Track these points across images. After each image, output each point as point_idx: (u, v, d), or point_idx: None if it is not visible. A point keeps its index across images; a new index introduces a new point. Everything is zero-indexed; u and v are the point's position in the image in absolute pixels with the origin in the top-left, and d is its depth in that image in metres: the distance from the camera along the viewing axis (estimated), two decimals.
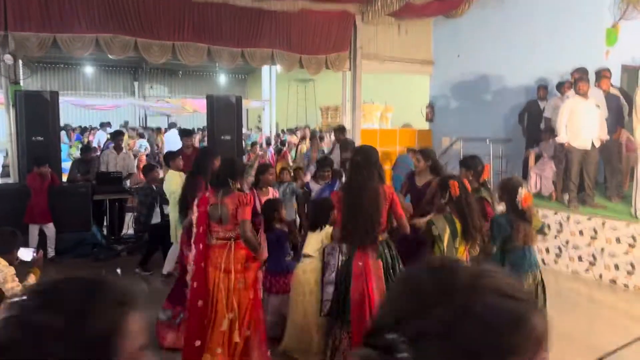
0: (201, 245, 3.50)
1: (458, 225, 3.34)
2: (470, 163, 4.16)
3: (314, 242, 3.97)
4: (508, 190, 3.67)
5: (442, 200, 3.45)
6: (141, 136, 15.35)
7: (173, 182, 5.37)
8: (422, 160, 4.53)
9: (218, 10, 8.43)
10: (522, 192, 3.60)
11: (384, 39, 10.34)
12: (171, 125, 17.27)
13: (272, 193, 4.97)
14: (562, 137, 6.45)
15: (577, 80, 6.55)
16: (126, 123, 19.89)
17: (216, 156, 4.72)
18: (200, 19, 8.33)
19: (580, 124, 6.36)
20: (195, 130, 16.55)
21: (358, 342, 3.41)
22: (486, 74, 10.13)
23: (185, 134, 7.20)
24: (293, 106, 20.59)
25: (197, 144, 11.48)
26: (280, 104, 19.28)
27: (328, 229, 3.94)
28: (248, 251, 3.50)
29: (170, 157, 6.05)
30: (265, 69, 17.26)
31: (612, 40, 8.06)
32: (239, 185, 3.58)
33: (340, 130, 9.20)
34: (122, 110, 19.87)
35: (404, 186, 4.76)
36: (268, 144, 14.13)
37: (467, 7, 9.18)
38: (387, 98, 13.51)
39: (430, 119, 11.61)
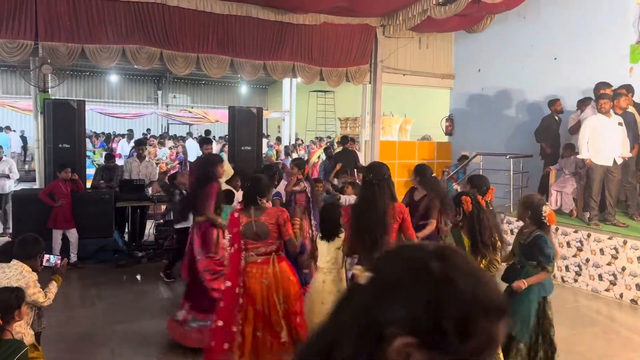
0: (236, 264, 3.55)
1: (466, 242, 3.32)
2: (477, 182, 4.14)
3: (325, 252, 3.97)
4: (533, 207, 3.62)
5: (457, 216, 3.44)
6: (162, 145, 15.59)
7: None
8: (419, 176, 4.72)
9: (241, 23, 8.58)
10: (547, 209, 3.58)
11: (404, 52, 10.39)
12: (188, 135, 17.56)
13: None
14: (584, 154, 6.40)
15: (599, 97, 6.49)
16: (148, 131, 20.24)
17: (220, 163, 4.77)
18: (223, 32, 8.49)
19: (603, 141, 6.30)
20: (216, 138, 16.77)
21: None
22: (506, 88, 10.10)
23: (204, 141, 7.31)
24: (312, 117, 20.71)
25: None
26: (299, 115, 19.42)
27: (338, 240, 3.95)
28: (288, 262, 3.64)
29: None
30: (286, 80, 17.42)
31: (636, 57, 7.98)
32: (266, 204, 3.64)
33: (343, 140, 9.26)
34: (145, 118, 20.21)
35: (404, 199, 4.85)
36: (287, 154, 14.22)
37: (489, 23, 9.18)
38: (406, 110, 13.53)
39: (449, 132, 11.59)
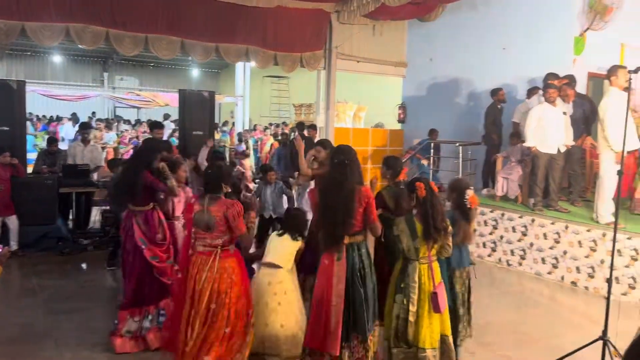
0: (186, 253, 3.43)
1: (419, 227, 3.38)
2: (392, 163, 4.33)
3: (286, 251, 3.88)
4: (457, 190, 3.85)
5: (410, 202, 3.49)
6: (109, 128, 15.05)
7: None
8: (323, 150, 4.56)
9: (193, 4, 8.33)
10: (470, 193, 3.79)
11: (359, 39, 10.40)
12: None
13: (184, 193, 4.68)
14: (530, 142, 6.62)
15: (547, 87, 6.72)
16: (94, 115, 19.48)
17: (161, 151, 4.41)
18: (174, 12, 8.21)
19: (548, 129, 6.53)
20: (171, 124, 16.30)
21: (312, 342, 3.42)
22: (457, 77, 10.31)
23: (155, 125, 7.03)
24: (267, 102, 20.51)
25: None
26: (254, 100, 19.18)
27: (299, 241, 3.91)
28: (235, 260, 3.42)
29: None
30: (239, 64, 17.13)
31: (580, 49, 8.32)
32: (228, 189, 3.52)
33: (299, 126, 9.28)
34: (90, 101, 19.39)
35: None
36: (241, 140, 14.04)
37: (441, 12, 9.31)
38: (360, 98, 13.61)
39: (402, 120, 11.74)
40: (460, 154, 8.27)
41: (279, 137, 11.60)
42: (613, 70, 5.86)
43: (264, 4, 8.81)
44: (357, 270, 3.39)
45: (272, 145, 13.67)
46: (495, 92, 8.68)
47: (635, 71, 3.90)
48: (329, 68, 10.24)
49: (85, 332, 4.31)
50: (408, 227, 3.41)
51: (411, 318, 3.36)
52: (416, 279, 3.38)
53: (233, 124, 18.28)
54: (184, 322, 3.32)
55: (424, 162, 9.50)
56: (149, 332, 4.09)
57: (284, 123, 18.00)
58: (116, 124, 17.62)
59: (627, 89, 4.16)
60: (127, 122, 19.46)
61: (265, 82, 20.07)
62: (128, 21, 7.86)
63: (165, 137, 9.35)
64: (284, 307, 3.81)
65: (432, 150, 9.44)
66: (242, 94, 18.02)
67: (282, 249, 3.94)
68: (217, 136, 13.14)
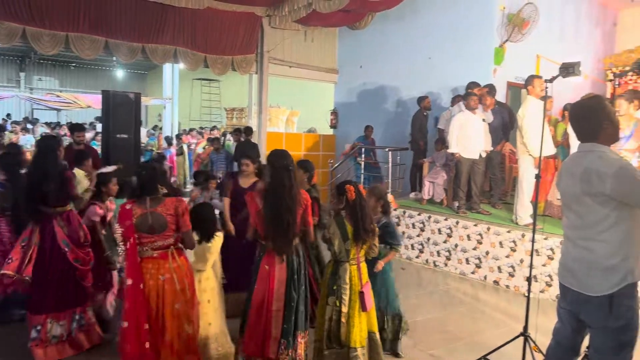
0: (134, 260, 3.24)
1: (349, 228, 3.48)
2: (307, 166, 4.55)
3: (202, 254, 3.76)
4: (383, 197, 4.13)
5: (339, 205, 3.56)
6: (26, 131, 14.10)
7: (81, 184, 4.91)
8: (251, 163, 4.77)
9: (118, 2, 7.99)
10: (390, 197, 4.03)
11: (291, 44, 10.42)
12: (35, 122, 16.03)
13: (110, 206, 4.51)
14: (454, 148, 6.89)
15: (467, 95, 7.02)
16: (9, 117, 18.19)
17: (59, 148, 4.22)
18: (98, 10, 7.84)
19: (470, 136, 6.83)
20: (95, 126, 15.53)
21: (249, 348, 3.37)
22: (386, 84, 10.59)
23: (75, 128, 6.64)
24: (197, 106, 20.06)
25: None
26: (183, 103, 18.68)
27: (217, 240, 3.82)
28: (185, 258, 3.41)
29: (81, 156, 5.48)
30: (167, 66, 16.65)
31: (500, 60, 8.78)
32: (165, 190, 3.41)
33: (247, 131, 9.17)
34: (5, 102, 18.10)
35: (226, 186, 4.90)
36: (169, 144, 13.61)
37: (370, 20, 9.52)
38: (293, 102, 13.63)
39: (334, 125, 11.88)
40: (390, 159, 8.48)
41: (213, 141, 11.37)
42: (530, 80, 6.22)
43: (194, 5, 8.61)
44: (295, 273, 3.41)
45: (205, 148, 13.35)
46: (421, 100, 8.99)
47: (551, 80, 4.14)
48: (261, 72, 10.18)
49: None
50: (339, 229, 3.49)
51: (343, 319, 3.45)
52: (347, 280, 3.47)
53: (160, 128, 17.72)
54: (146, 334, 3.17)
55: (360, 161, 9.60)
56: (79, 333, 3.97)
57: (214, 127, 17.68)
58: (32, 127, 16.53)
59: (543, 98, 4.45)
60: (46, 124, 18.31)
61: (195, 84, 19.63)
62: (47, 18, 7.43)
63: (88, 139, 8.90)
64: (213, 305, 3.78)
65: (370, 152, 9.57)
66: (171, 97, 17.49)
67: (199, 250, 3.80)
68: (144, 140, 12.69)
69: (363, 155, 9.38)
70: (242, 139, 9.04)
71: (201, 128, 17.96)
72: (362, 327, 3.51)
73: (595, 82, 10.23)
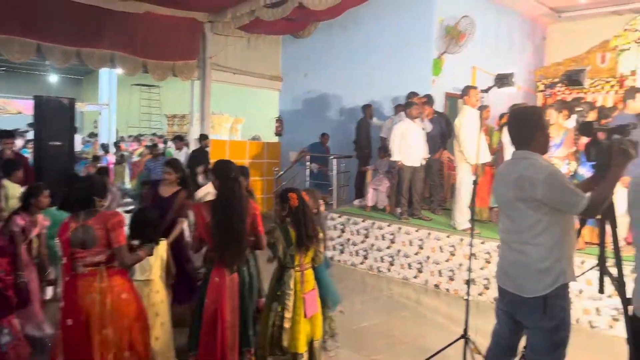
0: (68, 278, 3.05)
1: (293, 234, 3.52)
2: (245, 172, 4.67)
3: (147, 261, 3.62)
4: (315, 198, 4.20)
5: (282, 212, 3.61)
6: None
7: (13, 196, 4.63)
8: (173, 172, 4.59)
9: (51, 5, 7.64)
10: (322, 202, 4.20)
11: (234, 51, 10.33)
12: None
13: (42, 221, 4.30)
14: (396, 156, 7.04)
15: (408, 105, 7.20)
16: None
17: None
18: (29, 12, 7.46)
19: (410, 144, 7.00)
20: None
21: None
22: (330, 93, 10.70)
23: (3, 135, 6.26)
24: (135, 112, 19.47)
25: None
26: (121, 109, 18.07)
27: (161, 246, 3.70)
28: (121, 278, 3.13)
29: (10, 166, 5.14)
30: (104, 71, 16.06)
31: (438, 71, 9.09)
32: (104, 203, 3.23)
33: (178, 138, 9.02)
34: None
35: (147, 196, 4.79)
36: (106, 151, 13.11)
37: (314, 29, 9.60)
38: (237, 110, 13.52)
39: (279, 132, 11.85)
40: (335, 167, 8.55)
41: (151, 148, 11.05)
42: (466, 90, 6.47)
43: (132, 9, 8.37)
44: (246, 284, 3.38)
45: (142, 155, 12.96)
46: (365, 108, 9.15)
47: (486, 90, 4.34)
48: (203, 78, 10.03)
49: None
50: (283, 235, 3.53)
51: (286, 324, 3.47)
52: (292, 286, 3.50)
53: (96, 135, 17.06)
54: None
55: (314, 167, 9.59)
56: (10, 348, 3.71)
57: (154, 134, 17.22)
58: None
59: (480, 107, 4.67)
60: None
61: (134, 90, 19.06)
62: None
63: (18, 147, 8.43)
64: (161, 318, 3.65)
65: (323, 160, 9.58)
66: (107, 102, 16.87)
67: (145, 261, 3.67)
68: (79, 148, 12.16)
69: (310, 163, 9.41)
70: (188, 146, 8.87)
71: (140, 135, 17.45)
72: (306, 333, 3.54)
73: (527, 93, 10.77)
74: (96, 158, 11.09)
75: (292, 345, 3.48)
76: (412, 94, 7.85)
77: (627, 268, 2.56)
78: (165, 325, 3.69)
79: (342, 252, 7.58)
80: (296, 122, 11.45)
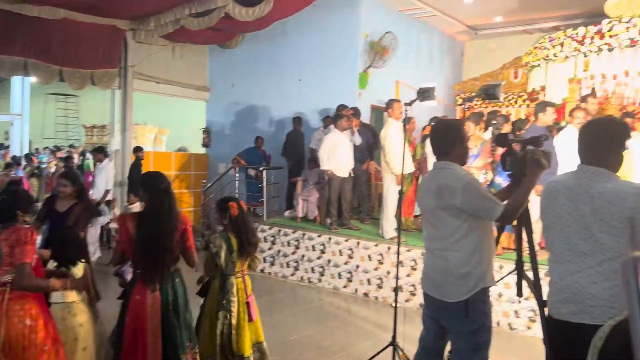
0: None
1: (234, 242, 3.61)
2: (150, 184, 4.45)
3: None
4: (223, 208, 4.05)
5: (223, 221, 3.67)
6: None
7: None
8: (70, 185, 4.41)
9: None
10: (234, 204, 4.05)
11: (158, 60, 10.04)
12: None
13: None
14: (326, 166, 7.11)
15: (337, 117, 7.32)
16: None
17: None
18: None
19: (340, 155, 7.11)
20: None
21: None
22: (259, 104, 10.66)
23: None
24: (51, 122, 18.40)
25: None
26: (35, 120, 16.98)
27: (80, 266, 3.49)
28: (32, 300, 2.82)
29: None
30: (16, 79, 15.04)
31: (364, 84, 9.33)
32: (27, 219, 2.97)
33: (98, 150, 8.64)
34: None
35: (40, 211, 4.49)
36: (18, 163, 12.24)
37: (241, 40, 9.55)
38: (162, 120, 13.12)
39: (206, 144, 11.62)
40: (265, 178, 8.49)
41: (66, 160, 10.47)
42: (390, 104, 6.68)
43: (48, 15, 7.92)
44: (170, 302, 3.24)
45: (56, 166, 12.24)
46: (296, 120, 9.19)
47: (409, 104, 4.49)
48: (124, 88, 9.65)
49: None
50: (225, 243, 3.60)
51: (234, 331, 3.58)
52: (235, 292, 3.60)
53: (7, 146, 15.92)
54: None
55: (251, 172, 9.42)
56: None
57: (71, 146, 16.34)
58: None
59: (404, 120, 4.82)
60: None
61: (49, 99, 18.00)
62: None
63: None
64: (82, 343, 3.39)
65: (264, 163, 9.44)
66: (20, 112, 15.79)
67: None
68: None
69: (237, 174, 9.28)
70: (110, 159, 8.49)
71: (55, 147, 16.49)
72: (250, 337, 3.67)
73: (447, 106, 11.30)
74: (9, 165, 10.36)
75: (239, 349, 3.59)
76: (342, 107, 7.97)
77: (542, 271, 2.72)
78: (88, 350, 3.44)
79: (272, 264, 7.53)
80: (224, 133, 11.29)
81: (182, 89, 10.94)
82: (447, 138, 2.79)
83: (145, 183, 3.34)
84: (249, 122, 10.76)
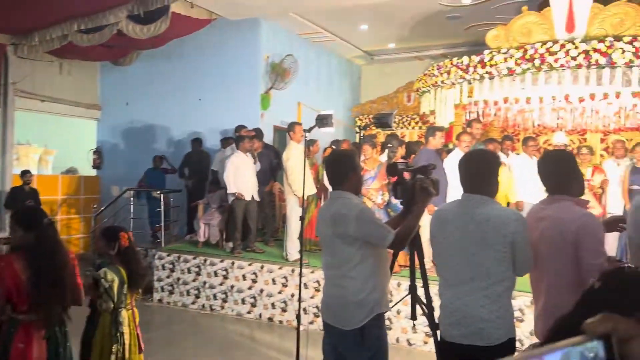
0: None
1: (124, 274, 3.45)
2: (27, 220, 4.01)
3: None
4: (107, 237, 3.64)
5: (110, 251, 3.45)
6: None
7: None
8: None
9: None
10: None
11: (43, 77, 9.36)
12: None
13: None
14: (231, 189, 6.98)
15: (240, 138, 7.23)
16: None
17: None
18: None
19: (244, 177, 7.03)
20: None
21: None
22: (156, 124, 10.26)
23: None
24: None
25: None
26: None
27: None
28: None
29: None
30: None
31: (266, 105, 9.33)
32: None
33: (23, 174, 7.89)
34: None
35: None
36: None
37: (136, 57, 9.19)
38: (48, 140, 12.15)
39: (97, 165, 10.95)
40: (162, 202, 8.15)
41: None
42: (291, 126, 6.74)
43: None
44: (59, 347, 3.01)
45: None
46: (195, 141, 8.96)
47: (309, 130, 4.56)
48: (4, 106, 8.86)
49: None
50: (117, 276, 3.42)
51: None
52: (127, 324, 3.47)
53: None
54: None
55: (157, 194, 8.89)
56: None
57: None
58: None
59: (308, 142, 4.90)
60: None
61: None
62: None
63: None
64: None
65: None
66: None
67: None
68: None
69: (133, 198, 8.82)
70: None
71: None
72: None
73: (347, 129, 11.64)
74: None
75: None
76: (240, 127, 7.92)
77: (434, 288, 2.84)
78: None
79: (171, 292, 7.20)
80: (118, 154, 10.70)
81: (70, 107, 10.26)
82: (341, 169, 2.86)
83: (26, 220, 3.05)
84: (146, 143, 10.31)
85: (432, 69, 7.85)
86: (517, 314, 5.13)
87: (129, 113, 10.51)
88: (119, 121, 10.68)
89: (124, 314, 3.47)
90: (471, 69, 7.01)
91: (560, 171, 2.54)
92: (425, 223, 3.15)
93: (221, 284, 6.89)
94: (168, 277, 7.23)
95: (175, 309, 7.03)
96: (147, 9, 6.99)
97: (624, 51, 5.96)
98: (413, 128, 11.01)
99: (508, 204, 6.53)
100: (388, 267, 2.94)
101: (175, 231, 8.89)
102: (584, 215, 2.39)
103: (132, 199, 8.90)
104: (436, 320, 2.71)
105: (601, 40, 6.06)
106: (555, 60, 6.15)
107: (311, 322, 6.14)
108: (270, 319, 6.51)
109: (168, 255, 7.30)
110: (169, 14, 7.07)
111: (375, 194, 6.12)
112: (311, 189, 6.92)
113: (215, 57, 9.48)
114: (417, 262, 3.15)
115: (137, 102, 10.38)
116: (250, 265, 6.75)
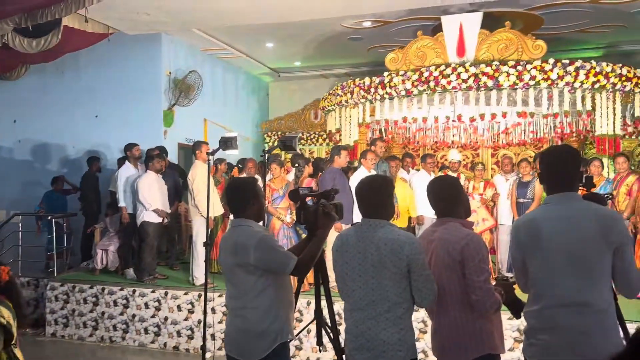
0: None
1: (12, 312, 3.11)
2: None
3: None
4: None
5: None
6: None
7: None
8: None
9: None
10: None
11: None
12: None
13: None
14: (150, 209, 6.62)
15: (152, 157, 6.86)
16: None
17: None
18: None
19: (156, 197, 6.69)
20: None
21: None
22: (47, 142, 9.56)
23: None
24: None
25: None
26: None
27: None
28: None
29: None
30: None
31: (169, 122, 9.02)
32: None
33: None
34: None
35: None
36: None
37: (24, 72, 8.52)
38: None
39: None
40: (54, 227, 7.55)
41: None
42: (198, 145, 6.58)
43: None
44: None
45: None
46: (91, 161, 8.44)
47: (212, 153, 4.46)
48: None
49: None
50: (10, 312, 3.06)
51: None
52: None
53: None
54: None
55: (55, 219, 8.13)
56: None
57: None
58: None
59: (216, 161, 4.79)
60: None
61: None
62: None
63: None
64: None
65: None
66: None
67: None
68: None
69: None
70: None
71: None
72: None
73: (255, 144, 11.56)
74: None
75: None
76: (131, 145, 7.45)
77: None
78: None
79: (66, 325, 6.66)
80: (5, 176, 9.78)
81: None
82: (241, 197, 2.82)
83: None
84: (39, 163, 9.56)
85: (337, 89, 8.05)
86: (420, 325, 5.33)
87: (18, 131, 9.69)
88: (5, 140, 9.81)
89: (17, 352, 3.17)
90: (372, 90, 7.28)
91: (447, 196, 2.67)
92: (330, 246, 3.17)
93: (121, 314, 6.48)
94: (62, 308, 6.69)
95: (71, 343, 6.51)
96: (36, 22, 6.51)
97: (508, 74, 6.48)
98: (321, 144, 11.19)
99: (410, 218, 6.79)
100: (292, 295, 2.91)
101: (70, 259, 8.26)
102: (468, 235, 2.54)
103: (20, 224, 8.15)
104: (342, 345, 2.72)
105: (488, 64, 6.55)
106: (448, 83, 6.55)
107: (220, 348, 5.96)
108: (175, 348, 6.23)
109: (62, 285, 6.76)
110: (60, 28, 6.64)
111: (284, 212, 6.10)
112: (218, 210, 6.76)
113: (114, 72, 9.02)
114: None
115: (26, 119, 9.60)
116: (153, 292, 6.43)
